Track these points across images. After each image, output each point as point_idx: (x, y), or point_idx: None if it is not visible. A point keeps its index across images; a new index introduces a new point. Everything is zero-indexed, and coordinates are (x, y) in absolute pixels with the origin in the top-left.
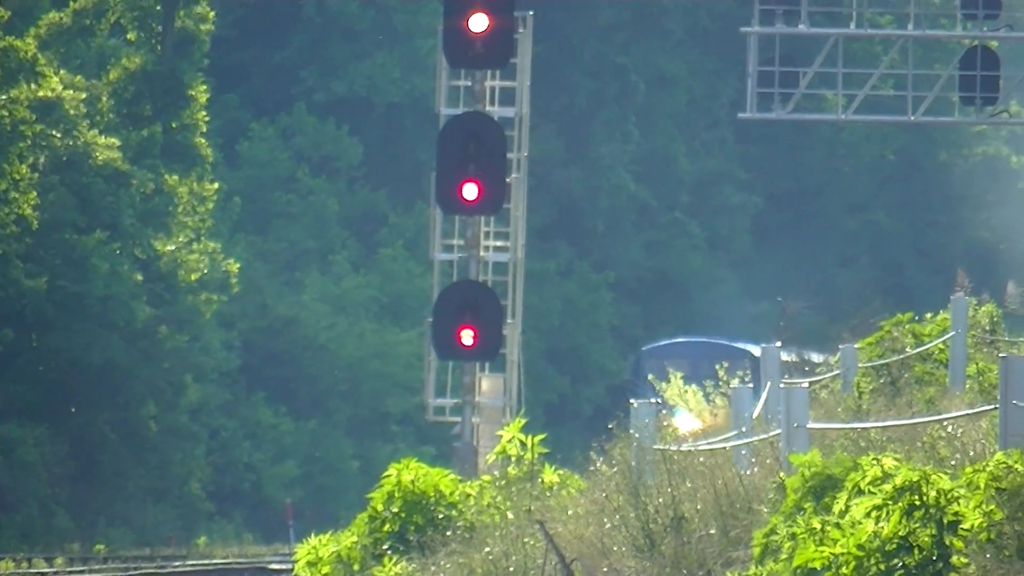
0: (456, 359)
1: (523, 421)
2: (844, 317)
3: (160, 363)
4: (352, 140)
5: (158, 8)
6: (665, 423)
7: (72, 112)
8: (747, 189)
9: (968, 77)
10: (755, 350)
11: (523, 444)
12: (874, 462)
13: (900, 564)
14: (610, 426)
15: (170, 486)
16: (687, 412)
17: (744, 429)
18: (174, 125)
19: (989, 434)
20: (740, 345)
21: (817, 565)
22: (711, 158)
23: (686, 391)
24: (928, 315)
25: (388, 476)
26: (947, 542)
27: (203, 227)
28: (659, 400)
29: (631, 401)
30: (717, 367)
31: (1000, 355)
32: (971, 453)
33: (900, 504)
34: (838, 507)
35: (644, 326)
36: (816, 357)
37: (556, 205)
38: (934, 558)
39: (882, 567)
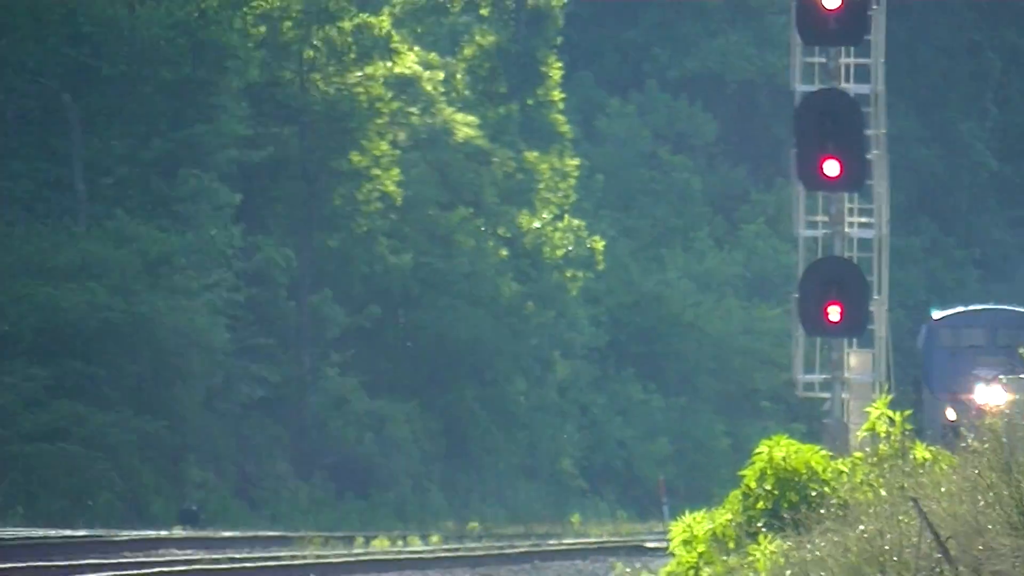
0: (824, 335)
1: (890, 397)
2: None
3: (528, 339)
4: (706, 117)
5: None
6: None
7: (430, 89)
8: None
9: None
10: None
11: (891, 420)
12: None
13: None
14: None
15: (541, 463)
16: (985, 387)
17: None
18: (530, 102)
19: None
20: None
21: None
22: None
23: None
24: None
25: (760, 453)
26: None
27: (567, 203)
28: None
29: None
30: None
31: None
32: None
33: None
34: None
35: (1015, 303)
36: None
37: (917, 182)
38: None
39: None
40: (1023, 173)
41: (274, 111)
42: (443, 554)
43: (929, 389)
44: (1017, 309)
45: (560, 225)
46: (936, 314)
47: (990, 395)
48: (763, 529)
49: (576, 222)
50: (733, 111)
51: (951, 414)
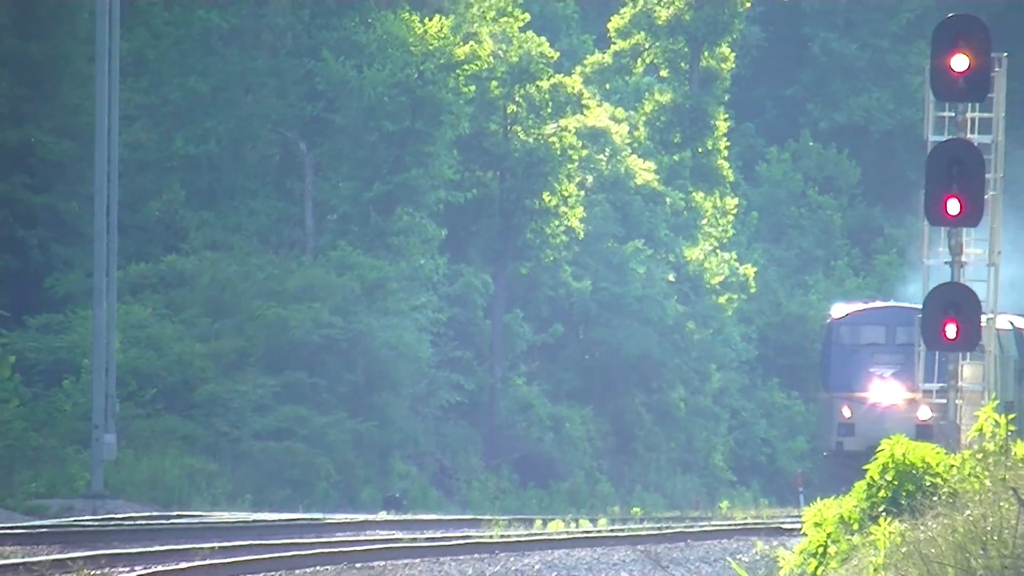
0: (941, 350)
1: (996, 403)
2: None
3: (688, 353)
4: (851, 163)
5: (686, 50)
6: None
7: (617, 140)
8: None
9: None
10: None
11: (996, 423)
12: None
13: None
14: None
15: (696, 458)
16: (882, 384)
17: None
18: (700, 150)
19: None
20: None
21: None
22: None
23: None
24: None
25: (883, 450)
26: None
27: (725, 237)
28: None
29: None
30: None
31: None
32: None
33: None
34: None
35: None
36: None
37: None
38: None
39: None
40: None
41: (479, 158)
42: (609, 534)
43: (825, 387)
44: (916, 307)
45: (714, 260)
46: (835, 312)
47: (886, 393)
48: (883, 514)
49: (728, 255)
50: (874, 158)
51: (846, 412)
